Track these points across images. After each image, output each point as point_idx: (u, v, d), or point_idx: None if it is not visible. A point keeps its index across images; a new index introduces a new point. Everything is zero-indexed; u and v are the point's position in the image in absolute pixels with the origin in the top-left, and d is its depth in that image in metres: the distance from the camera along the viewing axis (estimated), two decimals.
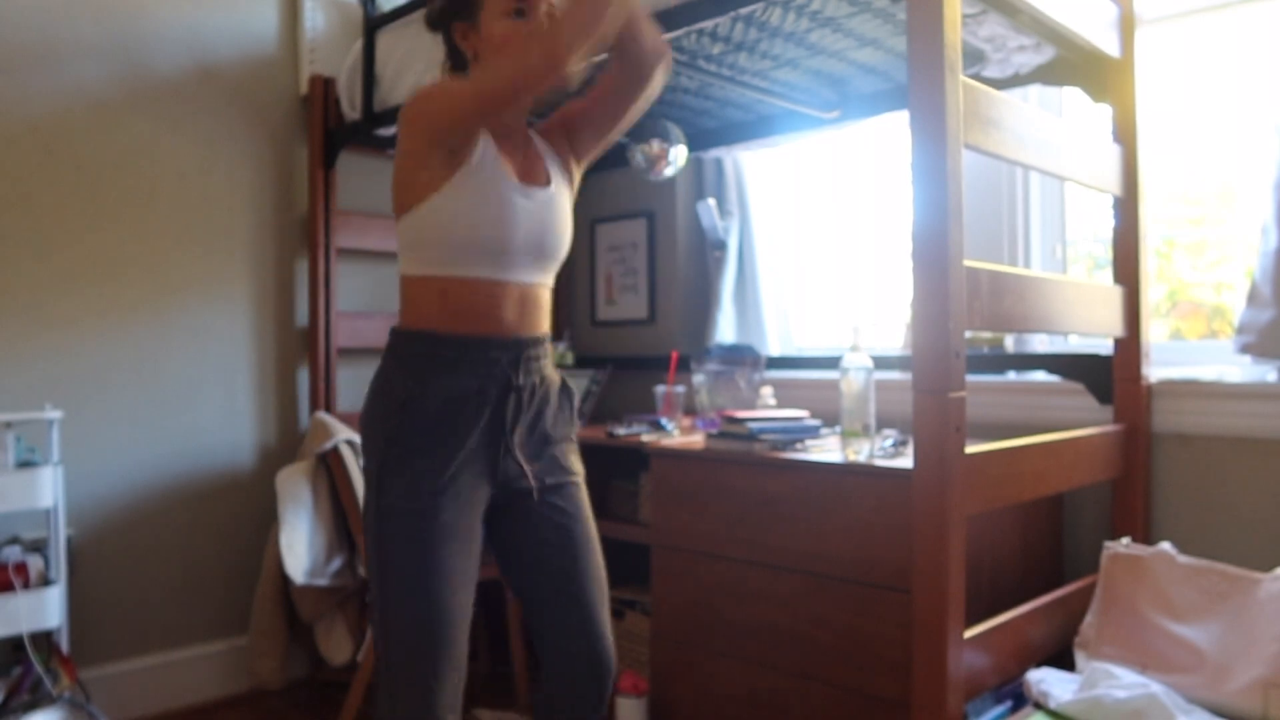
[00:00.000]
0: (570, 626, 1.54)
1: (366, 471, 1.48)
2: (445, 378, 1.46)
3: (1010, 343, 2.37)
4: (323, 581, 2.46)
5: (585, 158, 1.69)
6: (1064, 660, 1.75)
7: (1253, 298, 1.89)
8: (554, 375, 1.60)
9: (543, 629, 1.57)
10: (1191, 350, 2.18)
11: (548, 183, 1.58)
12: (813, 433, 2.09)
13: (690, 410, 2.70)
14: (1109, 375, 2.03)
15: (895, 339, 2.67)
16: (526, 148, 1.60)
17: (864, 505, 1.81)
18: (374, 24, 2.66)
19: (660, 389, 2.65)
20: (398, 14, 2.59)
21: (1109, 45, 1.95)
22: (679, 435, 2.45)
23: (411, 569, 1.41)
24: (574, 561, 1.55)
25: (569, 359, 3.18)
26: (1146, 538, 1.99)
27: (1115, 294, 1.98)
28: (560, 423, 1.59)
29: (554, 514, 1.56)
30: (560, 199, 1.59)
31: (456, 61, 1.62)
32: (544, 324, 1.57)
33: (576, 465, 1.62)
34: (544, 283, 1.58)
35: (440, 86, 1.50)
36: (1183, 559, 1.69)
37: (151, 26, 2.63)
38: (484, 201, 1.46)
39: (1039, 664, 1.71)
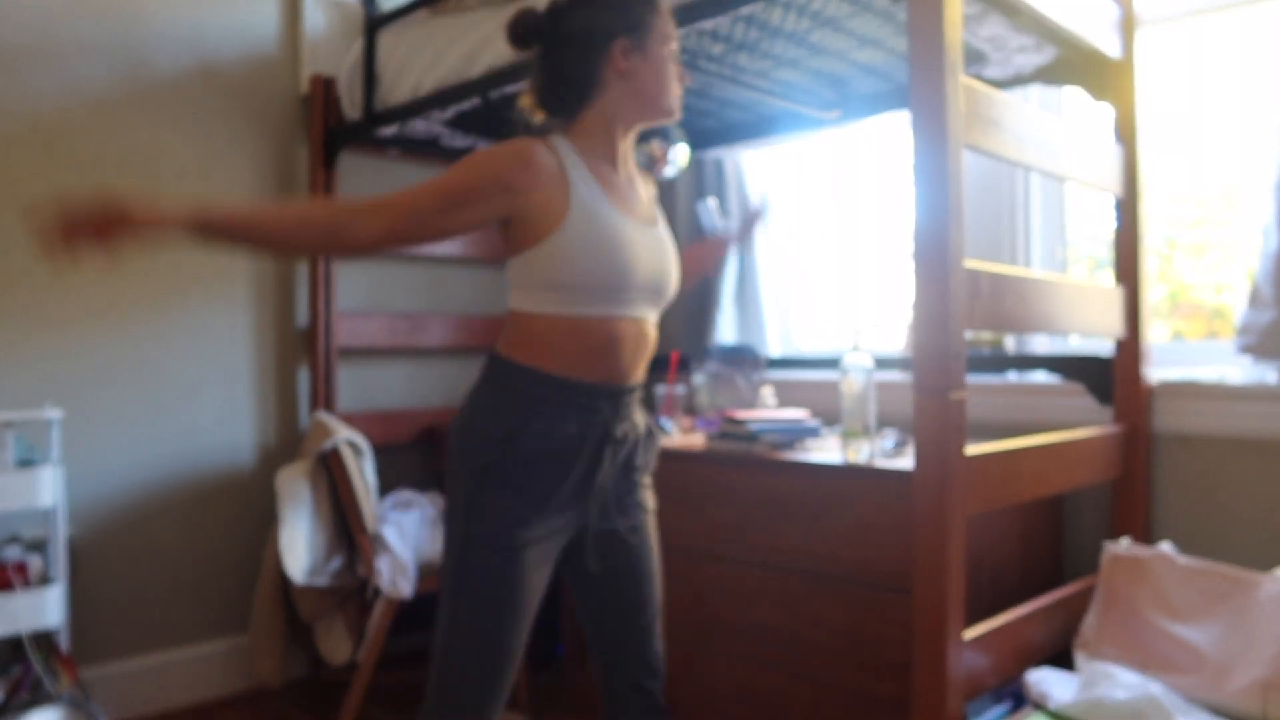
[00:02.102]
0: (630, 649, 1.57)
1: (455, 496, 1.46)
2: (549, 421, 1.44)
3: (1011, 343, 2.37)
4: (322, 581, 2.46)
5: None
6: (1064, 661, 1.75)
7: (1253, 299, 1.88)
8: (641, 420, 1.57)
9: (605, 651, 1.59)
10: (1192, 351, 2.18)
11: (655, 222, 1.57)
12: (813, 433, 2.09)
13: (691, 410, 2.70)
14: (1109, 376, 2.03)
15: (896, 339, 2.67)
16: (635, 179, 1.59)
17: (864, 506, 1.81)
18: (375, 23, 2.66)
19: (661, 389, 2.65)
20: (398, 13, 2.59)
21: (1110, 46, 1.95)
22: (680, 435, 2.44)
23: (489, 602, 1.42)
24: (638, 595, 1.57)
25: None
26: (1147, 538, 1.99)
27: (1116, 295, 1.97)
28: (644, 465, 1.59)
29: (629, 551, 1.56)
30: (668, 236, 1.59)
31: (573, 80, 1.50)
32: (646, 366, 1.56)
33: (651, 501, 1.62)
34: (655, 319, 1.56)
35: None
36: (1183, 560, 1.69)
37: (152, 26, 2.63)
38: (605, 241, 1.43)
39: (1039, 665, 1.71)
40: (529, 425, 1.43)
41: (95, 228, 1.26)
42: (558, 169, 1.43)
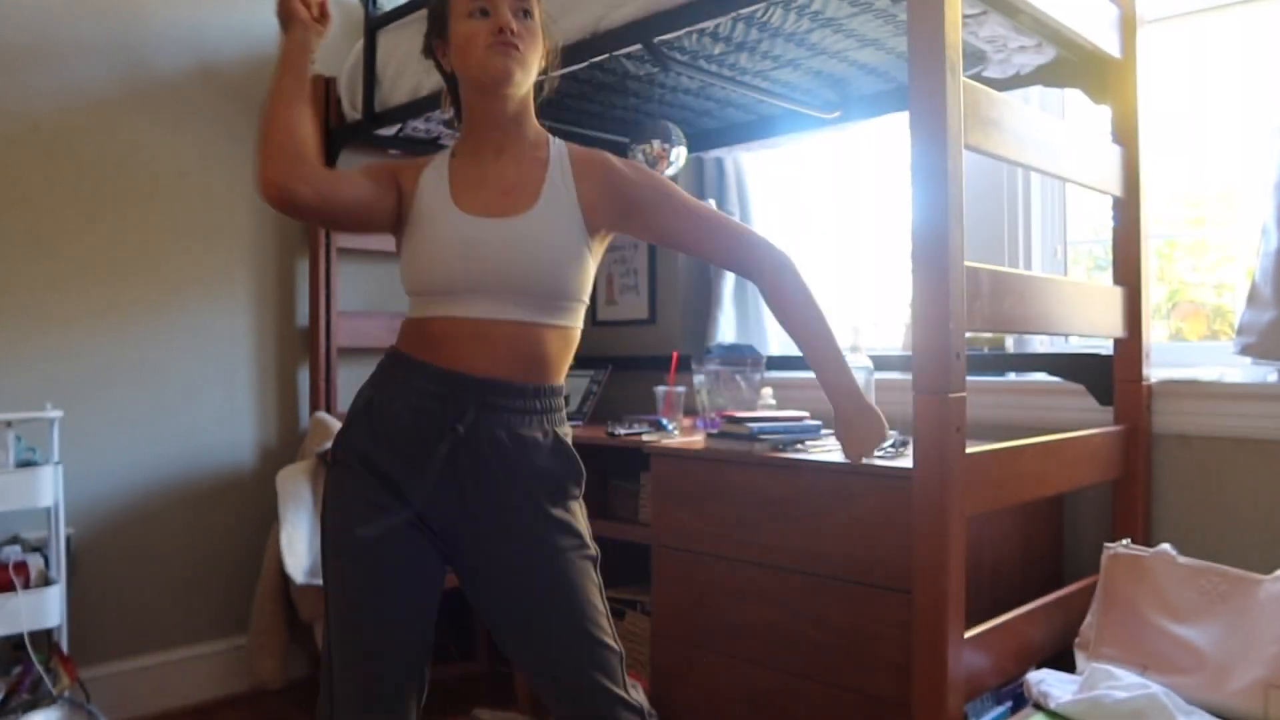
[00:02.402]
0: (554, 695, 1.41)
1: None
2: (390, 397, 1.41)
3: (1010, 343, 2.37)
4: (322, 581, 2.46)
5: (617, 233, 1.52)
6: (1064, 661, 1.75)
7: (1253, 299, 1.88)
8: (538, 435, 1.41)
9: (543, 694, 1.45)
10: (1192, 351, 2.18)
11: (527, 208, 1.41)
12: (813, 433, 2.09)
13: (691, 410, 2.70)
14: (1109, 376, 2.03)
15: (895, 339, 2.67)
16: (515, 165, 1.46)
17: (864, 505, 1.81)
18: (375, 24, 2.66)
19: (661, 389, 2.65)
20: (398, 14, 2.59)
21: (1110, 46, 1.95)
22: (679, 435, 2.44)
23: (340, 594, 1.40)
24: (539, 629, 1.39)
25: None
26: (1147, 538, 1.98)
27: (1116, 295, 1.97)
28: (535, 488, 1.40)
29: (523, 590, 1.39)
30: (541, 224, 1.40)
31: (449, 88, 1.57)
32: (532, 373, 1.40)
33: (559, 538, 1.41)
34: (533, 320, 1.39)
35: None
36: (1183, 560, 1.69)
37: (152, 26, 2.63)
38: (423, 241, 1.43)
39: (1039, 665, 1.71)
40: (378, 398, 1.42)
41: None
42: (415, 172, 1.48)
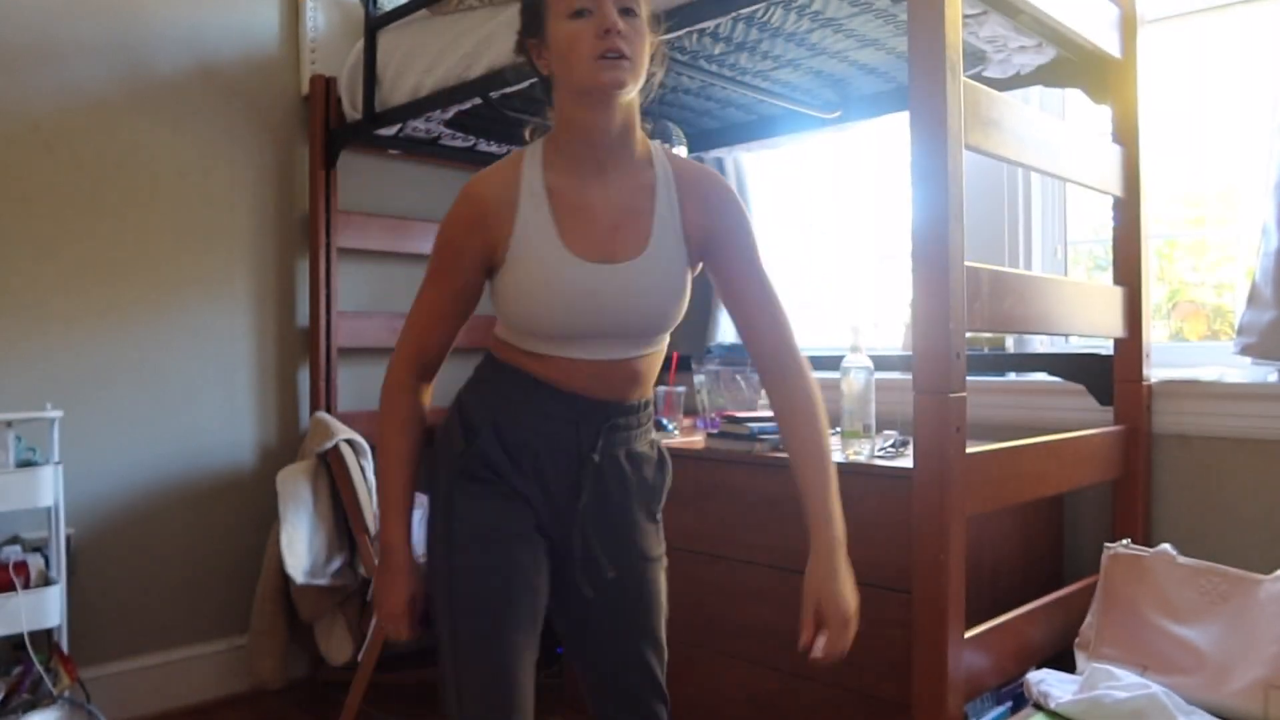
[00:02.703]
0: (617, 707, 1.45)
1: (434, 490, 1.38)
2: (523, 414, 1.34)
3: (1011, 343, 2.37)
4: (323, 581, 2.46)
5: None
6: (1064, 661, 1.75)
7: (1253, 299, 1.88)
8: (645, 448, 1.42)
9: (595, 706, 1.48)
10: (1192, 351, 2.18)
11: (643, 249, 1.32)
12: None
13: (690, 410, 2.70)
14: (1109, 376, 2.03)
15: (896, 339, 2.67)
16: (625, 189, 1.34)
17: (864, 505, 1.81)
18: (375, 24, 2.66)
19: (661, 389, 2.65)
20: (399, 14, 2.59)
21: (1110, 46, 1.95)
22: (679, 435, 2.44)
23: (484, 599, 1.32)
24: (622, 646, 1.43)
25: None
26: (1147, 538, 1.99)
27: (1116, 295, 1.97)
28: (642, 502, 1.42)
29: (615, 594, 1.40)
30: (659, 265, 1.33)
31: (547, 92, 1.38)
32: (639, 392, 1.39)
33: (653, 547, 1.44)
34: (637, 355, 1.36)
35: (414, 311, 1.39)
36: (1183, 560, 1.69)
37: (152, 26, 2.63)
38: (531, 285, 1.29)
39: (1039, 665, 1.71)
40: (502, 416, 1.34)
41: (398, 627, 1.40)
42: (509, 200, 1.30)
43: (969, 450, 1.50)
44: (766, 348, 1.40)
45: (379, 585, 1.42)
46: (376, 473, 1.45)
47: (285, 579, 2.52)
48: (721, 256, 1.38)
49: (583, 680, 1.51)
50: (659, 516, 1.47)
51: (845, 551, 1.32)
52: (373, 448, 2.49)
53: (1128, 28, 1.99)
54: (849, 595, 1.31)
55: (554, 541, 1.38)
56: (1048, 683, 1.58)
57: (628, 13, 1.25)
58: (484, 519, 1.34)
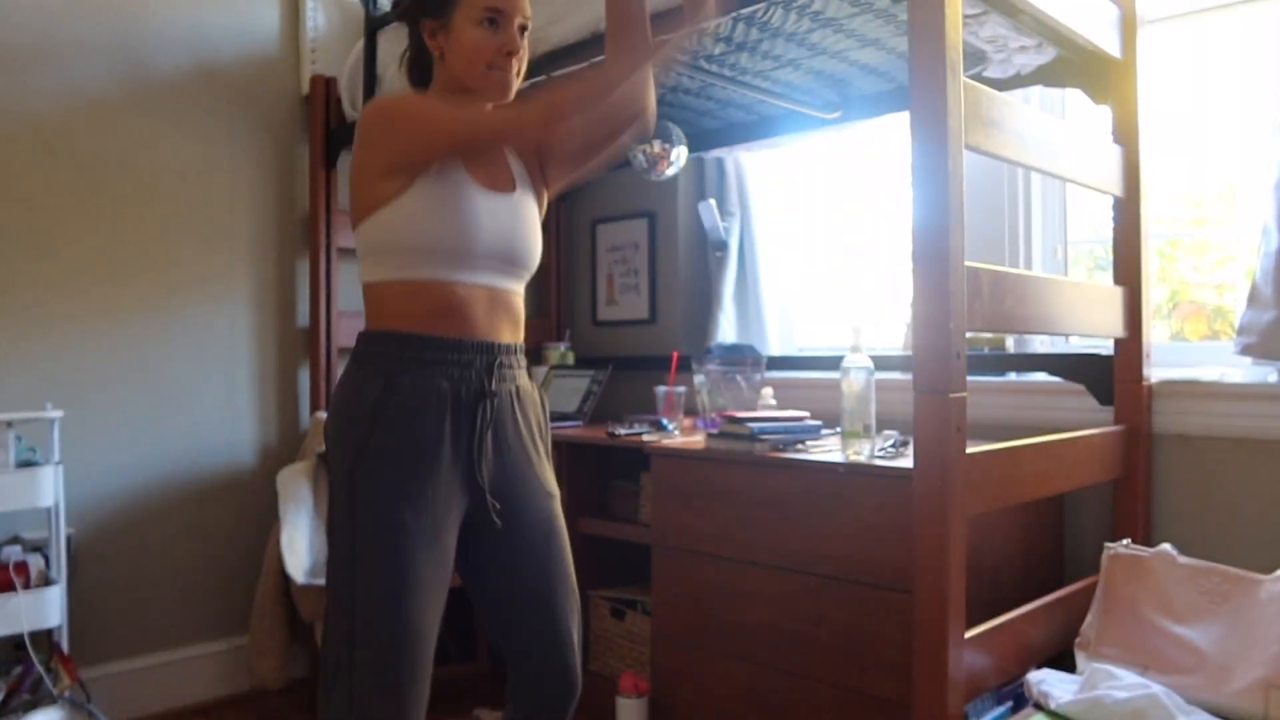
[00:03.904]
0: (540, 648, 1.51)
1: (334, 477, 1.42)
2: (415, 378, 1.40)
3: (1011, 343, 2.37)
4: (323, 581, 2.45)
5: (551, 187, 1.66)
6: (1065, 661, 1.75)
7: (1253, 299, 1.88)
8: (529, 386, 1.56)
9: (511, 646, 1.54)
10: (1192, 351, 2.18)
11: (513, 188, 1.54)
12: (813, 433, 2.09)
13: (691, 410, 2.70)
14: (1110, 376, 2.03)
15: (896, 339, 2.67)
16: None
17: (865, 506, 1.81)
18: (375, 24, 2.66)
19: (661, 389, 2.65)
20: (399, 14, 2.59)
21: (1110, 46, 1.95)
22: (680, 435, 2.44)
23: (388, 583, 1.36)
24: (544, 581, 1.51)
25: (569, 359, 3.18)
26: (1147, 538, 1.98)
27: (1116, 295, 1.97)
28: (535, 436, 1.54)
29: (525, 530, 1.50)
30: (526, 205, 1.55)
31: (419, 57, 1.57)
32: (518, 332, 1.54)
33: (551, 482, 1.56)
34: (515, 290, 1.53)
35: (418, 107, 1.47)
36: (1183, 560, 1.69)
37: (152, 26, 2.63)
38: (445, 206, 1.43)
39: (1039, 665, 1.71)
40: (396, 386, 1.40)
41: None
42: None
43: (969, 450, 1.50)
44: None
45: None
46: (605, 81, 1.44)
47: (286, 579, 2.52)
48: (548, 153, 1.62)
49: (492, 626, 1.56)
50: (548, 453, 1.59)
51: None
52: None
53: (1128, 28, 1.99)
54: None
55: (464, 497, 1.44)
56: (1048, 683, 1.58)
57: (522, 30, 1.49)
58: (386, 500, 1.37)
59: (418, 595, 1.37)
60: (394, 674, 1.35)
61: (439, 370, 1.42)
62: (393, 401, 1.39)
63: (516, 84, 1.51)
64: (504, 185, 1.53)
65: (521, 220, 1.52)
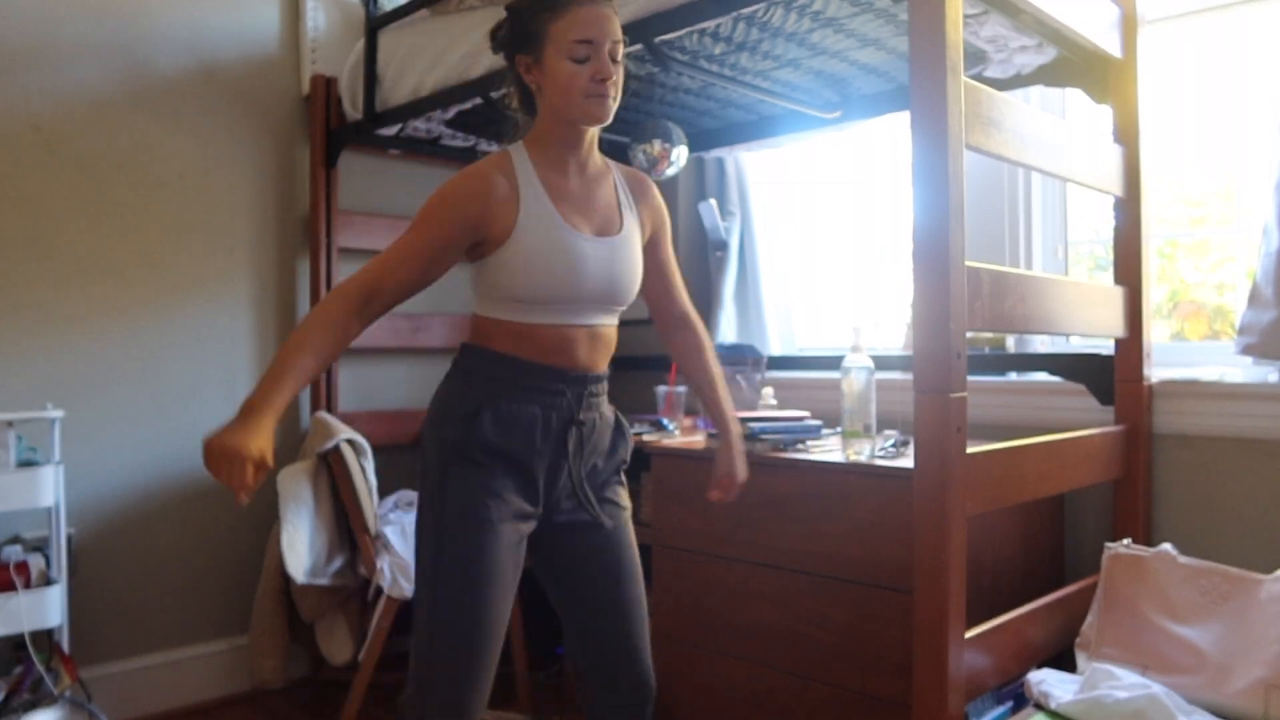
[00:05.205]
0: (616, 656, 1.58)
1: (426, 477, 1.51)
2: (513, 397, 1.49)
3: (1011, 343, 2.37)
4: (324, 581, 2.46)
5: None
6: (1065, 661, 1.75)
7: (1254, 298, 1.88)
8: (609, 412, 1.63)
9: (588, 657, 1.60)
10: (1193, 351, 2.18)
11: (619, 229, 1.58)
12: (814, 433, 2.09)
13: (691, 410, 2.70)
14: (1110, 376, 2.03)
15: (896, 339, 2.67)
16: (597, 186, 1.59)
17: (865, 505, 1.81)
18: (376, 24, 2.66)
19: (661, 389, 2.65)
20: (399, 14, 2.59)
21: (1111, 46, 1.95)
22: (680, 435, 2.45)
23: (471, 577, 1.45)
24: (620, 592, 1.58)
25: None
26: (1147, 538, 1.99)
27: (1117, 295, 1.97)
28: (613, 458, 1.62)
29: (602, 547, 1.58)
30: (631, 244, 1.59)
31: (520, 87, 1.59)
32: (606, 361, 1.60)
33: (624, 499, 1.64)
34: (612, 322, 1.60)
35: (418, 218, 1.50)
36: (1184, 560, 1.69)
37: (153, 26, 2.63)
38: (548, 258, 1.47)
39: (1040, 665, 1.71)
40: (492, 402, 1.48)
41: (235, 474, 1.36)
42: (510, 187, 1.48)
43: (969, 450, 1.50)
44: (676, 309, 1.74)
45: (231, 430, 1.33)
46: (280, 349, 1.40)
47: (286, 579, 2.52)
48: (656, 239, 1.70)
49: (586, 675, 1.61)
50: (624, 473, 1.66)
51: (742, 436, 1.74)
52: (361, 449, 2.49)
53: (1128, 28, 1.99)
54: (745, 468, 1.71)
55: (539, 513, 1.53)
56: (1048, 683, 1.58)
57: (613, 58, 1.50)
58: (474, 498, 1.46)
59: (498, 595, 1.46)
60: (468, 675, 1.44)
61: (535, 395, 1.50)
62: (489, 414, 1.47)
63: (615, 108, 1.52)
64: (609, 227, 1.57)
65: (624, 261, 1.56)
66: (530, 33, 1.50)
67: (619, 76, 1.51)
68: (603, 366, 1.59)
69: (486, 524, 1.46)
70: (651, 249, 1.68)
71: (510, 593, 1.49)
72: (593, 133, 1.56)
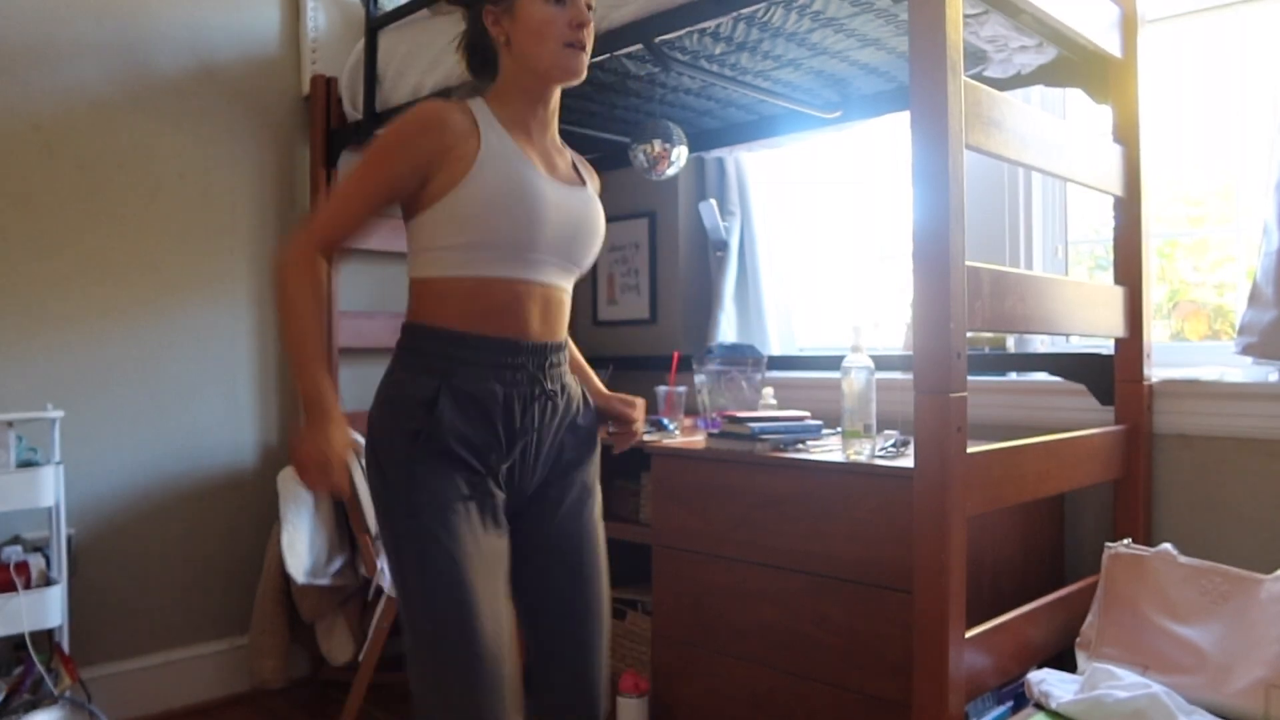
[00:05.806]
0: (566, 659, 1.50)
1: (383, 477, 1.38)
2: (468, 378, 1.38)
3: (1011, 343, 2.37)
4: (324, 581, 2.46)
5: None
6: (1065, 661, 1.75)
7: (1254, 298, 1.88)
8: (575, 384, 1.54)
9: (539, 651, 1.51)
10: (1193, 351, 2.18)
11: (582, 183, 1.52)
12: (814, 433, 2.09)
13: (691, 410, 2.70)
14: (1110, 376, 2.03)
15: (897, 339, 2.67)
16: (556, 155, 1.52)
17: (865, 505, 1.81)
18: (376, 24, 2.66)
19: (662, 389, 2.65)
20: (399, 14, 2.59)
21: (1111, 45, 1.95)
22: (680, 435, 2.44)
23: (454, 574, 1.33)
24: (580, 590, 1.50)
25: None
26: (1147, 538, 1.98)
27: (1117, 294, 1.97)
28: (581, 436, 1.53)
29: (566, 535, 1.50)
30: (594, 202, 1.52)
31: (477, 46, 1.51)
32: (565, 330, 1.51)
33: (595, 483, 1.56)
34: (566, 288, 1.50)
35: (368, 151, 1.44)
36: (1184, 560, 1.69)
37: (153, 26, 2.63)
38: (510, 195, 1.37)
39: (1040, 664, 1.71)
40: (449, 384, 1.37)
41: (330, 482, 1.33)
42: (469, 124, 1.39)
43: (969, 450, 1.50)
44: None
45: (310, 436, 1.31)
46: (289, 333, 1.37)
47: (286, 579, 2.52)
48: None
49: (536, 660, 1.52)
50: (596, 452, 1.58)
51: None
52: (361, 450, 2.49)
53: (1128, 28, 1.99)
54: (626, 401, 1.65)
55: (510, 489, 1.44)
56: (1049, 682, 1.58)
57: (589, 7, 1.42)
58: (451, 494, 1.35)
59: (489, 585, 1.36)
60: (477, 676, 1.32)
61: (492, 372, 1.39)
62: (447, 398, 1.36)
63: (587, 60, 1.44)
64: (571, 177, 1.50)
65: (587, 215, 1.49)
66: None
67: (590, 32, 1.44)
68: (560, 335, 1.48)
69: (468, 522, 1.35)
70: None
71: (502, 583, 1.39)
72: (556, 100, 1.48)
